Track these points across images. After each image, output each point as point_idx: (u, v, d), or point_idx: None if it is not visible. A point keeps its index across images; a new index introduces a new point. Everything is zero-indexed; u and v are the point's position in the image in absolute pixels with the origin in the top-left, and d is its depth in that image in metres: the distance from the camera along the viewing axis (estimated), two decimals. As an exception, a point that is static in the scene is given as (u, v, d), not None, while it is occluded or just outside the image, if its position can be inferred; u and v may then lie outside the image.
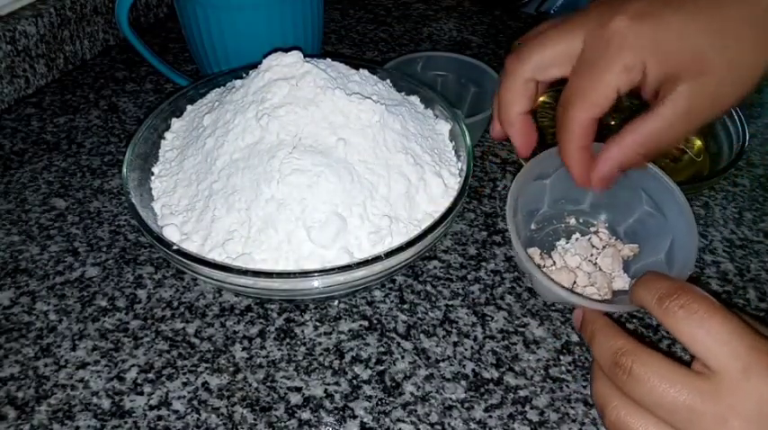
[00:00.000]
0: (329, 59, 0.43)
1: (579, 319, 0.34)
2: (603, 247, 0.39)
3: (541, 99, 0.54)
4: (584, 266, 0.38)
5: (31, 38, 0.55)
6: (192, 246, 0.36)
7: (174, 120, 0.43)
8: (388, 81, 0.45)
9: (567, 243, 0.40)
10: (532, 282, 0.38)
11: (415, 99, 0.45)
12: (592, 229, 0.41)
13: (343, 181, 0.36)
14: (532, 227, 0.41)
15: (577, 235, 0.40)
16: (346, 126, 0.38)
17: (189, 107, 0.44)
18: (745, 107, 0.58)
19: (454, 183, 0.39)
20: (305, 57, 0.40)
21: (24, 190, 0.48)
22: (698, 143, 0.50)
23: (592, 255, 0.39)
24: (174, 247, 0.34)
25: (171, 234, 0.36)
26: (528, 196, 0.39)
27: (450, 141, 0.43)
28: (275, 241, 0.35)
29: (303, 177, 0.35)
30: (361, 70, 0.43)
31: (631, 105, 0.54)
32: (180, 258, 0.34)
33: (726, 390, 0.26)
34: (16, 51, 0.54)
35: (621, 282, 0.38)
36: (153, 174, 0.41)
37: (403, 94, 0.45)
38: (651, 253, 0.37)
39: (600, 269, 0.38)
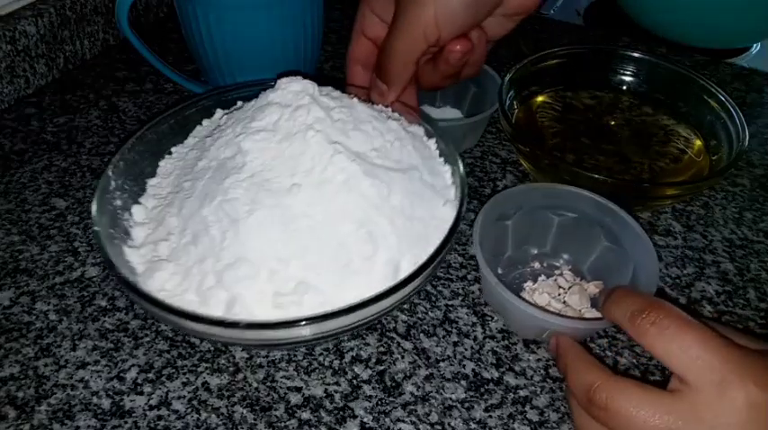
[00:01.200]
0: (356, 99, 0.40)
1: (555, 349, 0.34)
2: (569, 287, 0.40)
3: (541, 99, 0.54)
4: (553, 304, 0.38)
5: (31, 38, 0.55)
6: (141, 233, 0.37)
7: (218, 110, 0.44)
8: (432, 142, 0.41)
9: (534, 284, 0.40)
10: (506, 316, 0.38)
11: (446, 170, 0.40)
12: (557, 272, 0.41)
13: (272, 229, 0.33)
14: (499, 271, 0.41)
15: (543, 277, 0.41)
16: (309, 173, 0.35)
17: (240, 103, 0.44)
18: (746, 107, 0.58)
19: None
20: (337, 88, 0.40)
21: (24, 190, 0.48)
22: (698, 143, 0.50)
23: (559, 294, 0.39)
24: (95, 243, 0.34)
25: (136, 212, 0.38)
26: (492, 238, 0.40)
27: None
28: (188, 262, 0.34)
29: (235, 209, 0.34)
30: (390, 119, 0.40)
31: (631, 105, 0.54)
32: (104, 255, 0.34)
33: (704, 406, 0.26)
34: (16, 51, 0.54)
35: (591, 316, 0.38)
36: (171, 153, 0.42)
37: (442, 160, 0.41)
38: (616, 284, 0.38)
39: (568, 306, 0.38)
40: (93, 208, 0.36)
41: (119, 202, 0.38)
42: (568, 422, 0.34)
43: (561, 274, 0.41)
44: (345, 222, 0.34)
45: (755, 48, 0.77)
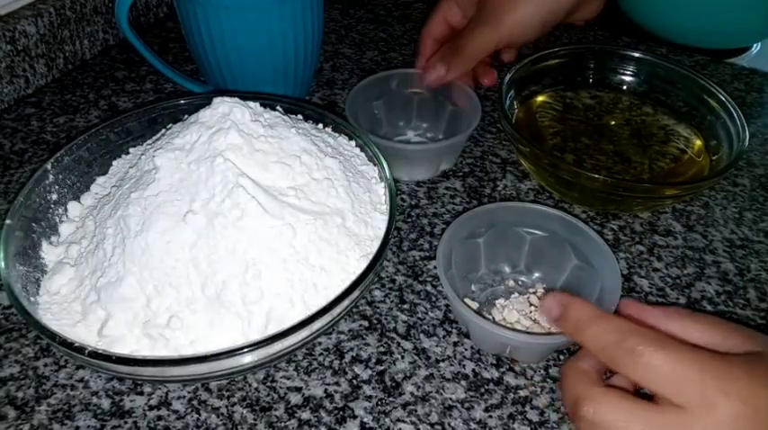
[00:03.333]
0: (294, 130, 0.38)
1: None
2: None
3: (541, 99, 0.54)
4: (523, 321, 0.38)
5: (30, 38, 0.55)
6: (67, 230, 0.38)
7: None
8: (381, 187, 0.40)
9: (505, 301, 0.40)
10: (470, 332, 0.38)
11: (383, 221, 0.37)
12: (531, 290, 0.41)
13: (155, 255, 0.33)
14: (473, 288, 0.41)
15: (516, 294, 0.41)
16: (207, 203, 0.33)
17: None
18: (746, 107, 0.58)
19: (258, 327, 0.32)
20: (295, 103, 0.40)
21: (24, 190, 0.48)
22: (698, 143, 0.50)
23: (531, 311, 0.39)
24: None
25: (72, 209, 0.39)
26: (463, 256, 0.40)
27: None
28: (84, 271, 0.35)
29: (128, 227, 0.34)
30: (328, 157, 0.38)
31: (631, 105, 0.54)
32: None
33: (690, 422, 0.26)
34: (16, 51, 0.54)
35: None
36: (128, 153, 0.43)
37: (385, 208, 0.39)
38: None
39: (537, 323, 0.38)
40: (17, 201, 0.36)
41: (54, 196, 0.39)
42: (568, 422, 0.34)
43: (535, 292, 0.41)
44: (231, 261, 0.32)
45: (755, 48, 0.77)
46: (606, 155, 0.50)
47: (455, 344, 0.38)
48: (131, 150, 0.43)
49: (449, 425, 0.34)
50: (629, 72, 0.55)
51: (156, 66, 0.53)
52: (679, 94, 0.52)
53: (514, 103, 0.51)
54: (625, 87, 0.55)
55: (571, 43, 0.66)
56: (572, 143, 0.51)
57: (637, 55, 0.54)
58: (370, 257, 0.34)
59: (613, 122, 0.53)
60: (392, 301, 0.41)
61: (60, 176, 0.39)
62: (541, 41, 0.67)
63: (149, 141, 0.42)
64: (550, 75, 0.54)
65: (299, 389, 0.36)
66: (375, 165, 0.41)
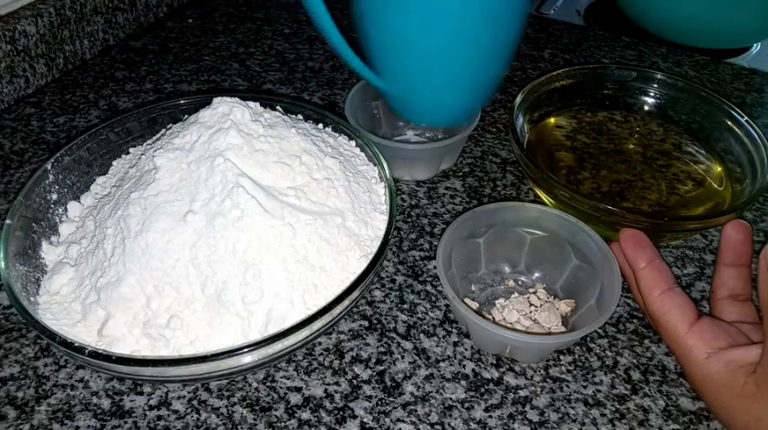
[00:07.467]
0: (295, 130, 0.38)
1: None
2: (541, 305, 0.40)
3: (554, 120, 0.52)
4: (523, 321, 0.38)
5: (30, 37, 0.55)
6: (67, 230, 0.38)
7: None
8: (381, 186, 0.40)
9: (505, 301, 0.40)
10: (470, 332, 0.38)
11: (383, 220, 0.38)
12: (531, 290, 0.41)
13: (155, 255, 0.33)
14: (472, 288, 0.41)
15: (516, 294, 0.41)
16: (207, 203, 0.33)
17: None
18: (746, 107, 0.58)
19: (258, 328, 0.32)
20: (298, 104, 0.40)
21: (24, 190, 0.48)
22: (719, 170, 0.48)
23: (531, 311, 0.39)
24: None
25: (72, 209, 0.39)
26: (463, 255, 0.40)
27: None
28: (84, 271, 0.35)
29: (128, 227, 0.34)
30: (329, 157, 0.38)
31: (650, 129, 0.53)
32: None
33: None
34: (16, 51, 0.54)
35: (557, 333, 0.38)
36: (128, 152, 0.43)
37: (386, 208, 0.39)
38: (585, 302, 0.38)
39: (537, 323, 0.38)
40: (17, 201, 0.36)
41: (54, 196, 0.39)
42: (568, 422, 0.34)
43: (535, 292, 0.41)
44: (231, 261, 0.33)
45: (755, 48, 0.77)
46: (624, 181, 0.47)
47: (455, 344, 0.38)
48: (131, 150, 0.43)
49: (449, 425, 0.34)
50: (651, 94, 0.52)
51: (341, 54, 0.42)
52: (702, 118, 0.50)
53: (525, 126, 0.49)
54: (647, 108, 0.53)
55: (571, 43, 0.66)
56: (587, 169, 0.48)
57: (659, 76, 0.51)
58: (370, 257, 0.35)
59: (632, 146, 0.51)
60: (392, 301, 0.41)
61: (60, 176, 0.39)
62: (541, 41, 0.67)
63: (149, 141, 0.42)
64: (565, 95, 0.52)
65: (299, 389, 0.36)
66: (375, 165, 0.41)
